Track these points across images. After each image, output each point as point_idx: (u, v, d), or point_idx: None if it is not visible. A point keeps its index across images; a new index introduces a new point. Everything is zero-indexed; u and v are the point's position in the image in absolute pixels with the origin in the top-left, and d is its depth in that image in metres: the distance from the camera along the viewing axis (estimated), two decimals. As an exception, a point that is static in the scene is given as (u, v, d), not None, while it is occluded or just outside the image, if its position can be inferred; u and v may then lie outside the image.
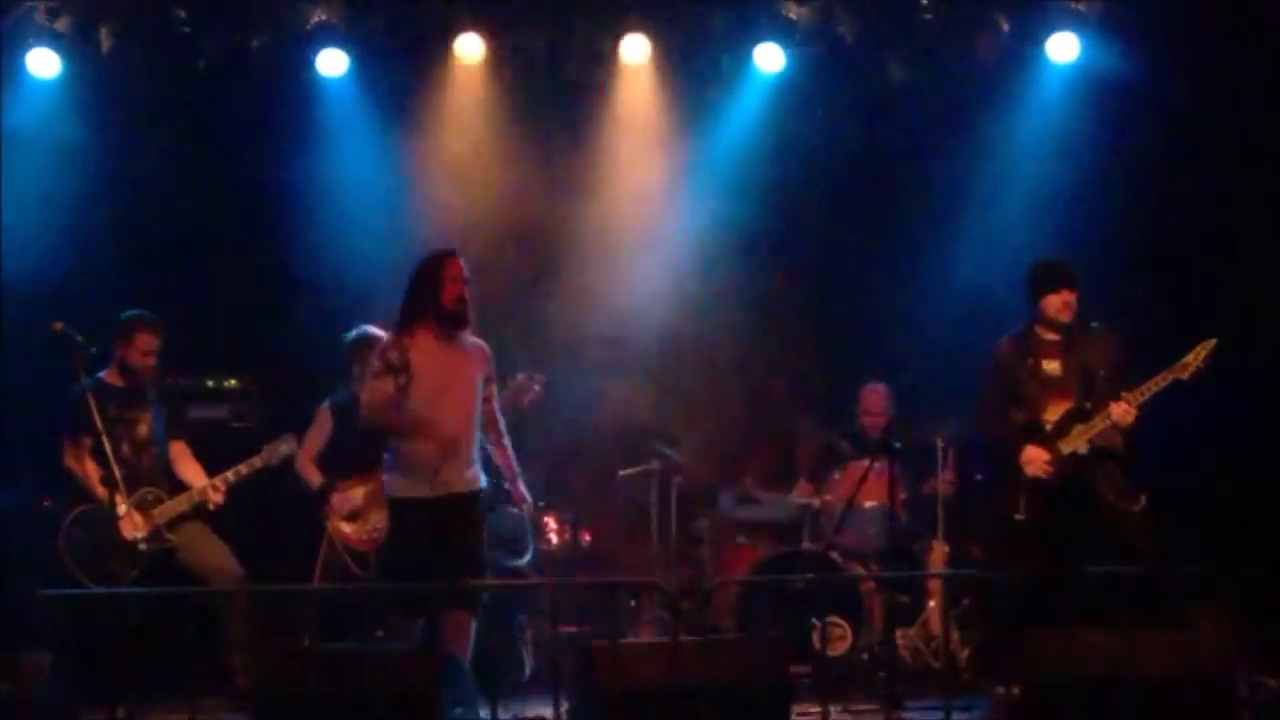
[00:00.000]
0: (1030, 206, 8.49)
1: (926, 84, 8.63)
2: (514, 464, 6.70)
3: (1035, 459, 6.85)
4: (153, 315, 7.22)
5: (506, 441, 6.69)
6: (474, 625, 6.43)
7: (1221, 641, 5.78)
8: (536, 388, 7.46)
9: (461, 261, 6.51)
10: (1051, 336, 6.97)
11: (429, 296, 6.44)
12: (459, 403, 6.45)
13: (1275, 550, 7.08)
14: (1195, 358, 6.69)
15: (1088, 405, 6.84)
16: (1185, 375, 6.69)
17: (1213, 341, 6.70)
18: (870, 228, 8.88)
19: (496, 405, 6.66)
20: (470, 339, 6.58)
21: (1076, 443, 6.82)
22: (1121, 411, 6.73)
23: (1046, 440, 6.86)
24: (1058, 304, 6.92)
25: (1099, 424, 6.80)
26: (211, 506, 7.10)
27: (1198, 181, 8.28)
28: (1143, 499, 6.79)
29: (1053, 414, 6.90)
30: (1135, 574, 5.91)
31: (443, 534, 6.37)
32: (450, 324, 6.46)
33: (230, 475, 7.14)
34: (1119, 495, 6.79)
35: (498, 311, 7.68)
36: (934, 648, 7.68)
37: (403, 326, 6.49)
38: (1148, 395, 6.74)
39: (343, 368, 7.64)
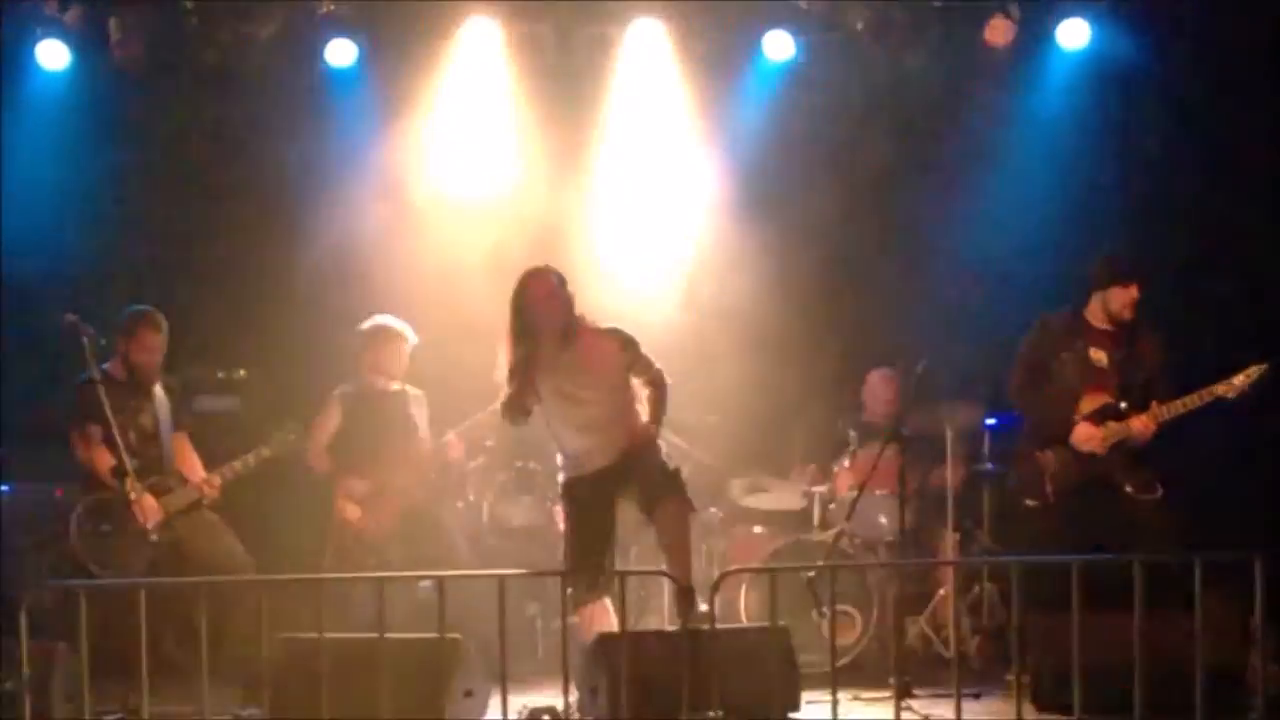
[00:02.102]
0: (1040, 193, 8.46)
1: (936, 71, 8.60)
2: (660, 413, 6.53)
3: (1092, 437, 6.75)
4: (157, 313, 7.17)
5: (663, 395, 6.53)
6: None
7: (1233, 629, 5.77)
8: (461, 447, 7.75)
9: (546, 277, 6.38)
10: (1105, 327, 6.84)
11: (524, 322, 6.36)
12: (598, 399, 6.41)
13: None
14: (1245, 379, 6.52)
15: (1124, 405, 6.74)
16: (1230, 395, 6.53)
17: (1265, 366, 6.52)
18: (881, 215, 8.86)
19: (651, 372, 6.52)
20: (591, 335, 6.43)
21: (1104, 438, 6.73)
22: (1140, 426, 6.64)
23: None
24: (1125, 299, 6.77)
25: (1122, 430, 6.71)
26: (206, 501, 7.11)
27: (1205, 169, 8.24)
28: (1160, 488, 6.75)
29: (1088, 404, 6.80)
30: (1147, 561, 5.88)
31: (626, 472, 6.36)
32: (556, 338, 6.38)
33: (238, 465, 7.15)
34: (1137, 485, 6.75)
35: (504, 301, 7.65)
36: (944, 636, 7.67)
37: (521, 343, 6.39)
38: (1181, 412, 6.61)
39: (354, 359, 7.65)
